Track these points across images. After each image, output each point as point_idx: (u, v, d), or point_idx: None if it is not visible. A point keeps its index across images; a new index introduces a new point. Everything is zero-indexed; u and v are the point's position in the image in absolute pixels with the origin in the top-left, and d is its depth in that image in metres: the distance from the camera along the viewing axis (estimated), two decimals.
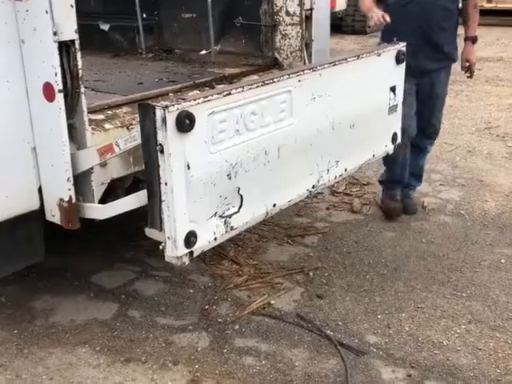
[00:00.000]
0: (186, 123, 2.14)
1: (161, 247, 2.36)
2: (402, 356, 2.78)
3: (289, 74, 2.55)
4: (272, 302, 3.19)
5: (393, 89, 3.12)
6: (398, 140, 3.26)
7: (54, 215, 2.65)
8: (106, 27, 4.49)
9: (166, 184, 2.16)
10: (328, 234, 3.94)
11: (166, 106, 2.09)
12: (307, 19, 3.68)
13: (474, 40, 3.90)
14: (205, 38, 4.12)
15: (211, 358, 2.78)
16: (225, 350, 2.83)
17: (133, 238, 3.67)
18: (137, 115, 2.87)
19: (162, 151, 2.15)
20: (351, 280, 3.40)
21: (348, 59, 2.81)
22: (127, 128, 2.78)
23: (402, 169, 4.08)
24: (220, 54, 4.08)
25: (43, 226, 2.81)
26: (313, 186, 2.78)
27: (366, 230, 4.00)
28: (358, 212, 4.25)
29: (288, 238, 3.87)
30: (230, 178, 2.35)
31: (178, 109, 2.12)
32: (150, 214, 2.31)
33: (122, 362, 2.76)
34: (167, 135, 2.12)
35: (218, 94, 2.26)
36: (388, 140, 3.20)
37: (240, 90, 2.33)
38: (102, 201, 2.76)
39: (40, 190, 2.65)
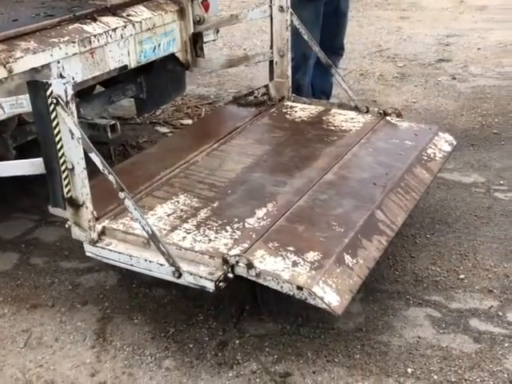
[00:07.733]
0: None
1: (67, 226, 2.33)
2: None
3: None
4: None
5: None
6: None
7: None
8: None
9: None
10: None
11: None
12: None
13: None
14: None
15: (120, 294, 2.76)
16: (134, 286, 2.82)
17: (29, 186, 3.51)
18: (13, 53, 2.73)
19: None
20: None
21: None
22: (4, 66, 2.62)
23: (307, 94, 4.09)
24: None
25: None
26: None
27: None
28: None
29: None
30: None
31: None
32: (51, 193, 2.25)
33: (28, 309, 2.69)
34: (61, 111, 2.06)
35: None
36: None
37: None
38: None
39: None
